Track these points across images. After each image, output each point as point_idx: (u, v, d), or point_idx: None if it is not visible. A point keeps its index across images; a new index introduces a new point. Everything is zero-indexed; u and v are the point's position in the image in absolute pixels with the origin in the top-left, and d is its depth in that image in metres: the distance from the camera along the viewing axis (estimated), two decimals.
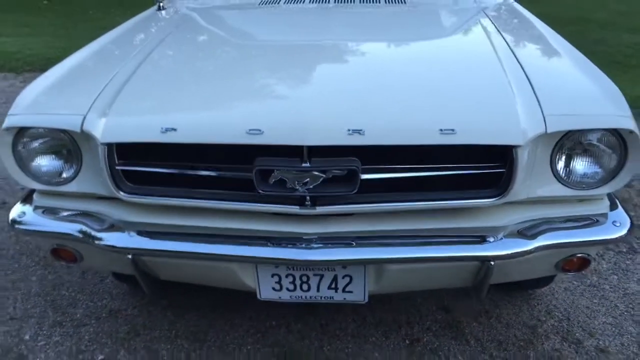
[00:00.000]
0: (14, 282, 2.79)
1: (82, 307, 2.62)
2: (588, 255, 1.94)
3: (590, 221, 1.91)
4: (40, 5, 10.55)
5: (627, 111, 1.82)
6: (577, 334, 2.40)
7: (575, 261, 1.96)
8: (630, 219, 1.93)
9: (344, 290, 1.97)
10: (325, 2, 2.90)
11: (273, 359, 2.31)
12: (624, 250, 2.95)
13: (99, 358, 2.33)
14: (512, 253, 1.80)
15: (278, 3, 2.92)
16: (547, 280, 2.52)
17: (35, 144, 1.93)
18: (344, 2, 2.91)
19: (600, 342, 2.36)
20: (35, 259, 2.96)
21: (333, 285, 1.96)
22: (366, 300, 1.98)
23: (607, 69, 5.85)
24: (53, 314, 2.58)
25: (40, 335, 2.45)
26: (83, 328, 2.49)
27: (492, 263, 1.81)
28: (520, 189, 1.79)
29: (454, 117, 1.73)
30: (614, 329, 2.44)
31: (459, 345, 2.37)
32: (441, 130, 1.69)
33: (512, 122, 1.72)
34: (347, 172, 1.71)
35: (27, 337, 2.44)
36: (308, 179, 1.70)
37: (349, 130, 1.67)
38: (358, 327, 2.47)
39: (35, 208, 2.02)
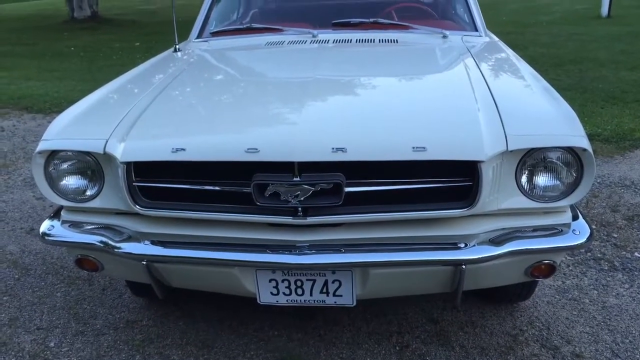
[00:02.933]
0: (41, 298, 3.06)
1: (102, 319, 2.87)
2: (554, 262, 2.16)
3: (555, 230, 2.13)
4: (66, 52, 11.09)
5: (581, 131, 2.06)
6: (555, 342, 2.59)
7: (543, 267, 2.17)
8: (591, 229, 2.15)
9: (334, 294, 2.19)
10: (325, 42, 3.19)
11: None
12: (606, 267, 3.14)
13: None
14: (481, 257, 2.03)
15: (282, 44, 3.22)
16: (527, 292, 2.72)
17: (64, 165, 2.21)
18: (342, 42, 3.20)
19: (577, 349, 2.55)
20: (60, 277, 3.24)
21: (324, 290, 2.19)
22: (354, 303, 2.20)
23: (604, 104, 6.11)
24: (75, 324, 2.83)
25: (64, 343, 2.70)
26: (102, 337, 2.74)
27: (464, 267, 2.04)
28: (488, 201, 2.03)
29: (426, 137, 1.99)
30: (590, 337, 2.62)
31: (445, 351, 2.57)
32: (414, 147, 1.94)
33: (476, 141, 1.97)
34: (333, 185, 1.96)
35: (52, 344, 2.70)
36: (299, 192, 1.96)
37: (333, 148, 1.93)
38: (353, 336, 2.69)
39: (63, 222, 2.29)
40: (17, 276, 3.28)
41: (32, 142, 5.69)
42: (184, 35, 3.57)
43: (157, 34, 13.14)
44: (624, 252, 3.28)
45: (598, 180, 4.20)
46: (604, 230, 3.53)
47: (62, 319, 2.88)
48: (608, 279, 3.05)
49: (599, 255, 3.26)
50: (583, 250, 3.29)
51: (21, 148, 5.53)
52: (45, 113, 6.74)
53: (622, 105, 5.93)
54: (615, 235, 3.46)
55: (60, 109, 6.80)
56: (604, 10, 12.77)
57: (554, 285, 2.99)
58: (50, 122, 6.25)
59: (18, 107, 7.00)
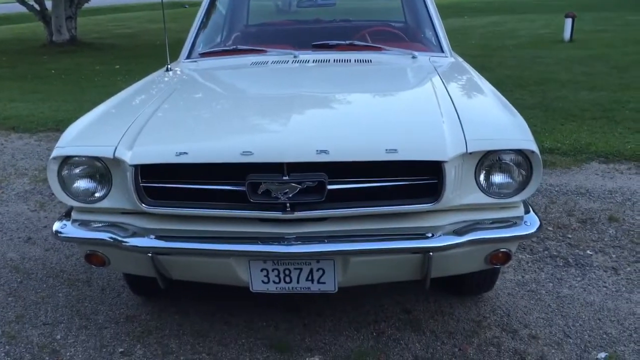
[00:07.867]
0: (44, 298, 3.30)
1: (103, 315, 3.11)
2: (509, 250, 2.49)
3: (510, 222, 2.46)
4: (47, 74, 11.27)
5: (530, 137, 2.40)
6: (514, 326, 2.91)
7: (500, 255, 2.50)
8: (540, 220, 2.48)
9: (318, 282, 2.48)
10: (306, 62, 3.52)
11: (263, 348, 2.81)
12: (561, 264, 3.48)
13: (119, 350, 2.82)
14: (446, 245, 2.34)
15: (266, 64, 3.54)
16: (490, 283, 3.05)
17: (76, 170, 2.48)
18: (322, 62, 3.53)
19: (533, 331, 2.87)
20: (60, 280, 3.48)
21: (309, 277, 2.48)
22: (336, 289, 2.49)
23: (563, 121, 6.52)
24: (79, 320, 3.07)
25: (69, 335, 2.95)
26: (105, 330, 2.98)
27: (431, 254, 2.35)
28: (451, 197, 2.35)
29: (397, 141, 2.31)
30: (545, 321, 2.94)
31: (417, 336, 2.87)
32: (386, 150, 2.26)
33: (440, 144, 2.30)
34: (317, 183, 2.27)
35: (58, 337, 2.94)
36: (287, 189, 2.26)
37: (317, 150, 2.25)
38: (334, 325, 2.97)
39: (73, 221, 2.55)
40: (19, 279, 3.50)
41: (21, 159, 5.91)
42: (160, 58, 3.82)
43: (136, 57, 13.40)
44: (577, 251, 3.63)
45: (556, 189, 4.57)
46: (560, 231, 3.89)
47: (66, 315, 3.12)
48: (562, 273, 3.39)
49: (555, 253, 3.61)
50: (541, 249, 3.63)
51: (11, 165, 5.74)
52: (31, 133, 6.94)
53: (580, 122, 6.36)
54: (570, 236, 3.81)
55: (46, 128, 7.07)
56: (567, 34, 13.39)
57: (514, 279, 3.32)
58: (37, 141, 6.45)
59: (5, 127, 7.19)
